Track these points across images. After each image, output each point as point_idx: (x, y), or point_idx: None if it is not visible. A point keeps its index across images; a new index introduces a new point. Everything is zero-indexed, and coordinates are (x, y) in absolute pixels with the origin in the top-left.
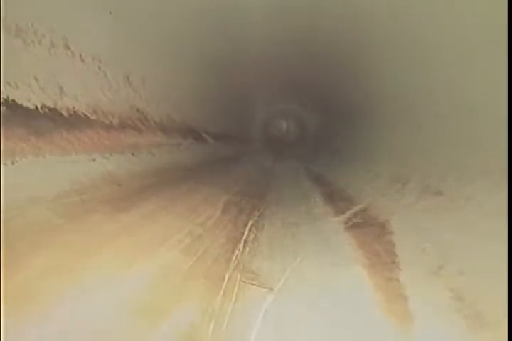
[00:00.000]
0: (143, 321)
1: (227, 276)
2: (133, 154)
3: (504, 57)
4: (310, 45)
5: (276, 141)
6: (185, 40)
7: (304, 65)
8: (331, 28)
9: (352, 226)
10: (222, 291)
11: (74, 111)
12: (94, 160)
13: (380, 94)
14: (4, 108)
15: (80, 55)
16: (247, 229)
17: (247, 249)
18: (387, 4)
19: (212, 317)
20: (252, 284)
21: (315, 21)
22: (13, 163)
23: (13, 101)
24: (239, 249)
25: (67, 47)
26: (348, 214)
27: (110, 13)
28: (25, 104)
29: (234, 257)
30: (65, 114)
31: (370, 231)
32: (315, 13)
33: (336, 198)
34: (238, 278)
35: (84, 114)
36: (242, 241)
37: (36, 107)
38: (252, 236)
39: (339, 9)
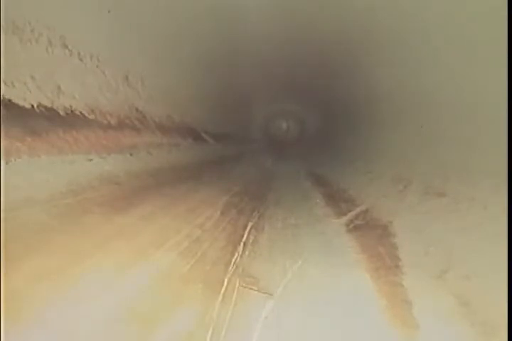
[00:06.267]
0: (139, 327)
1: (226, 281)
2: (131, 154)
3: (504, 57)
4: (310, 45)
5: (276, 141)
6: (185, 40)
7: (304, 65)
8: (331, 28)
9: (354, 228)
10: (220, 296)
11: (71, 111)
12: (91, 160)
13: (380, 94)
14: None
15: (78, 54)
16: (247, 230)
17: (247, 252)
18: (387, 4)
19: (210, 324)
20: (252, 289)
21: (315, 21)
22: (7, 163)
23: (9, 100)
24: (238, 252)
25: (65, 45)
26: (350, 215)
27: (109, 11)
28: (21, 103)
29: (233, 260)
30: (62, 113)
31: (372, 233)
32: (315, 13)
33: (337, 199)
34: (237, 283)
35: (82, 114)
36: (242, 244)
37: (32, 106)
38: (251, 238)
39: (339, 9)
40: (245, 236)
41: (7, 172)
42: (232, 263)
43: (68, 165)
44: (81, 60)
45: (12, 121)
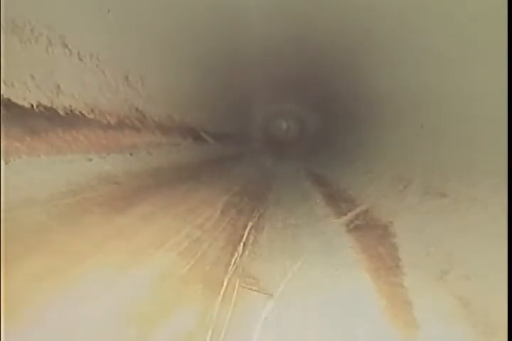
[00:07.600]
0: (139, 327)
1: (226, 281)
2: (131, 154)
3: (504, 57)
4: (310, 45)
5: (276, 141)
6: (185, 39)
7: (304, 65)
8: (331, 27)
9: (354, 228)
10: (220, 297)
11: (71, 110)
12: (91, 160)
13: (381, 93)
14: None
15: (78, 54)
16: (247, 231)
17: (247, 252)
18: (387, 4)
19: (210, 324)
20: (252, 289)
21: (315, 21)
22: (6, 163)
23: (9, 99)
24: (238, 252)
25: (64, 45)
26: (350, 215)
27: (109, 10)
28: (20, 103)
29: (233, 261)
30: (61, 112)
31: (373, 233)
32: (315, 13)
33: (337, 199)
34: (237, 283)
35: (82, 113)
36: (242, 244)
37: (32, 106)
38: (251, 238)
39: (339, 9)
40: (245, 236)
41: (7, 172)
42: (232, 263)
43: (68, 164)
44: (81, 59)
45: (12, 121)
